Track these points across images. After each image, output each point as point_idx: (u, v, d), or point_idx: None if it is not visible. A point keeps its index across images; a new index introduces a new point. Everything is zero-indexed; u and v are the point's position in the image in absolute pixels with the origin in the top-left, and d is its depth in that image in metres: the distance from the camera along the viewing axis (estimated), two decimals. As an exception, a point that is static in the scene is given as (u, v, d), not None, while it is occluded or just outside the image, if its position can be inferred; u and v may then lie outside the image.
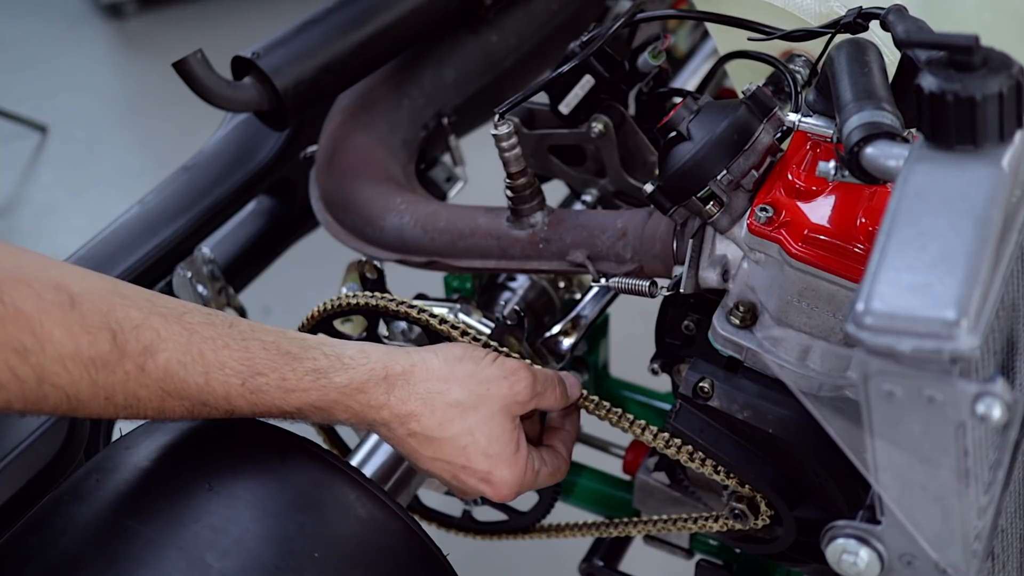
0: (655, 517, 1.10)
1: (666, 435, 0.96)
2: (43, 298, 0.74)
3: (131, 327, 0.78)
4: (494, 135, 0.99)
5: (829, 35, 0.93)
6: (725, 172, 0.86)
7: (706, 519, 1.05)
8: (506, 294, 1.26)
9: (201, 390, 0.82)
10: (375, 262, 1.17)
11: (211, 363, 0.82)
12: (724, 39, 1.07)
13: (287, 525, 0.86)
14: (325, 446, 1.24)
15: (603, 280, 1.00)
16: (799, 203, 0.85)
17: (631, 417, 0.98)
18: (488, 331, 1.05)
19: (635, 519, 1.13)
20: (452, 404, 0.89)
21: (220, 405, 0.83)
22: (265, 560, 0.82)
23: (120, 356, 0.77)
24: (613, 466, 1.32)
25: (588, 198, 1.17)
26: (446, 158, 1.44)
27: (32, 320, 0.73)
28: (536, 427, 1.02)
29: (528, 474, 0.93)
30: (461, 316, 1.07)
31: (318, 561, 0.84)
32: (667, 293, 0.96)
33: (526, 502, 1.18)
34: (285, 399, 0.85)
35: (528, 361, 0.96)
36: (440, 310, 1.04)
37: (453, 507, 1.23)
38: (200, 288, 1.32)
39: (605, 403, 0.99)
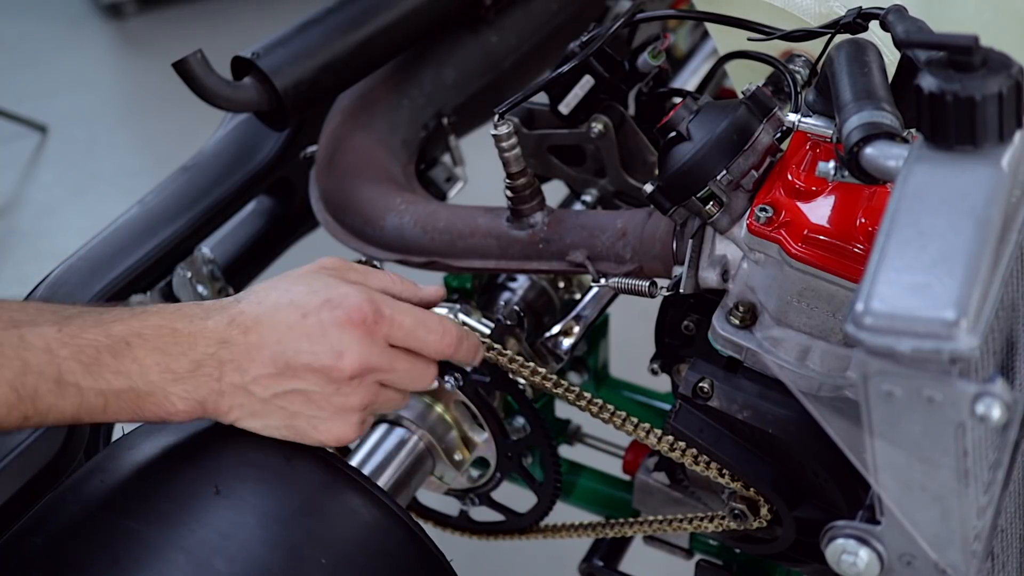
0: (655, 518, 1.10)
1: (668, 438, 0.96)
2: None
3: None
4: (494, 135, 0.99)
5: (829, 35, 0.93)
6: (725, 172, 0.86)
7: (705, 519, 1.05)
8: (506, 294, 1.26)
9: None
10: (375, 262, 1.17)
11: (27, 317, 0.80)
12: (724, 39, 1.07)
13: (293, 531, 0.85)
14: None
15: (603, 280, 1.00)
16: (799, 203, 0.85)
17: (630, 418, 0.98)
18: (488, 331, 1.05)
19: (635, 519, 1.14)
20: (255, 293, 0.86)
21: (41, 361, 0.79)
22: (272, 566, 0.82)
23: None
24: (613, 466, 1.32)
25: (588, 198, 1.17)
26: (446, 158, 1.44)
27: None
28: None
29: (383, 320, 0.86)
30: (461, 316, 1.07)
31: (324, 567, 0.84)
32: (667, 293, 0.96)
33: (526, 502, 1.18)
34: (104, 333, 0.81)
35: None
36: (440, 310, 1.04)
37: (452, 507, 1.23)
38: (200, 288, 1.32)
39: (604, 403, 0.99)
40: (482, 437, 1.12)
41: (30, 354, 0.78)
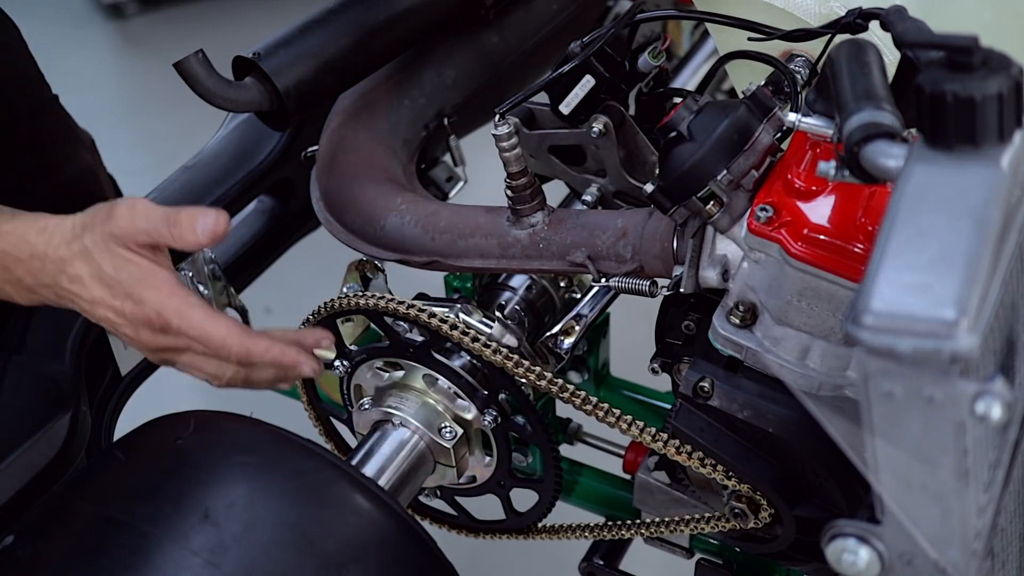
0: (653, 519, 1.10)
1: (674, 441, 0.97)
2: None
3: None
4: (494, 135, 0.99)
5: (829, 35, 0.93)
6: (725, 172, 0.86)
7: (705, 519, 1.05)
8: (506, 294, 1.26)
9: None
10: (376, 262, 1.17)
11: None
12: (724, 39, 1.07)
13: (296, 535, 0.86)
14: (327, 445, 1.24)
15: (603, 280, 1.00)
16: (799, 203, 0.85)
17: (629, 418, 0.99)
18: (488, 331, 1.05)
19: (635, 520, 1.14)
20: (82, 247, 0.92)
21: None
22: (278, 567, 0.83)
23: None
24: (613, 465, 1.32)
25: (588, 198, 1.17)
26: (447, 158, 1.44)
27: None
28: None
29: (179, 300, 0.93)
30: (461, 316, 1.07)
31: (327, 568, 0.84)
32: (667, 293, 0.96)
33: (526, 502, 1.18)
34: None
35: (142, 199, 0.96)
36: (440, 310, 1.04)
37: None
38: (201, 288, 1.32)
39: (604, 403, 1.00)
40: (484, 462, 1.13)
41: None
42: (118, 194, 1.57)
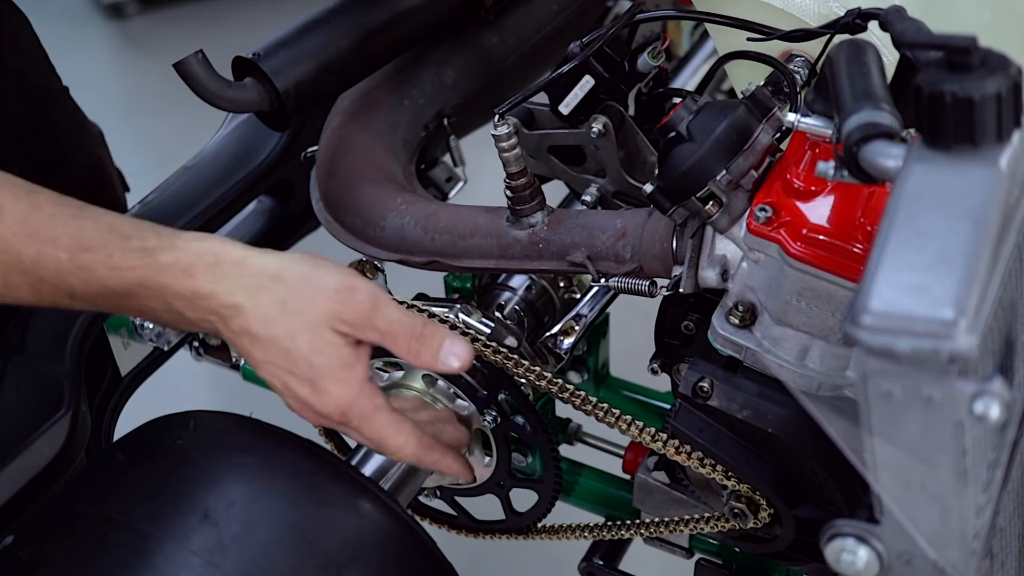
0: (653, 519, 1.10)
1: (673, 441, 0.97)
2: None
3: None
4: (494, 135, 0.99)
5: (828, 36, 0.93)
6: (724, 172, 0.86)
7: (703, 520, 1.05)
8: (506, 294, 1.26)
9: (35, 264, 0.82)
10: (375, 262, 1.17)
11: (44, 237, 0.82)
12: (723, 39, 1.07)
13: (296, 535, 0.86)
14: (327, 445, 1.24)
15: (603, 280, 1.00)
16: (798, 203, 0.85)
17: (629, 418, 0.99)
18: (488, 331, 1.06)
19: (634, 520, 1.14)
20: (276, 303, 0.84)
21: (53, 281, 0.83)
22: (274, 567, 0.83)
23: None
24: (613, 465, 1.32)
25: (588, 198, 1.17)
26: (447, 158, 1.44)
27: None
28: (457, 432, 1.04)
29: (365, 401, 0.87)
30: (461, 316, 1.07)
31: (329, 569, 0.84)
32: (667, 293, 0.96)
33: (525, 502, 1.18)
34: (113, 276, 0.83)
35: (387, 292, 0.89)
36: (440, 310, 1.05)
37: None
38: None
39: (604, 403, 1.00)
40: (484, 462, 1.13)
41: (44, 272, 0.83)
42: (124, 189, 1.57)
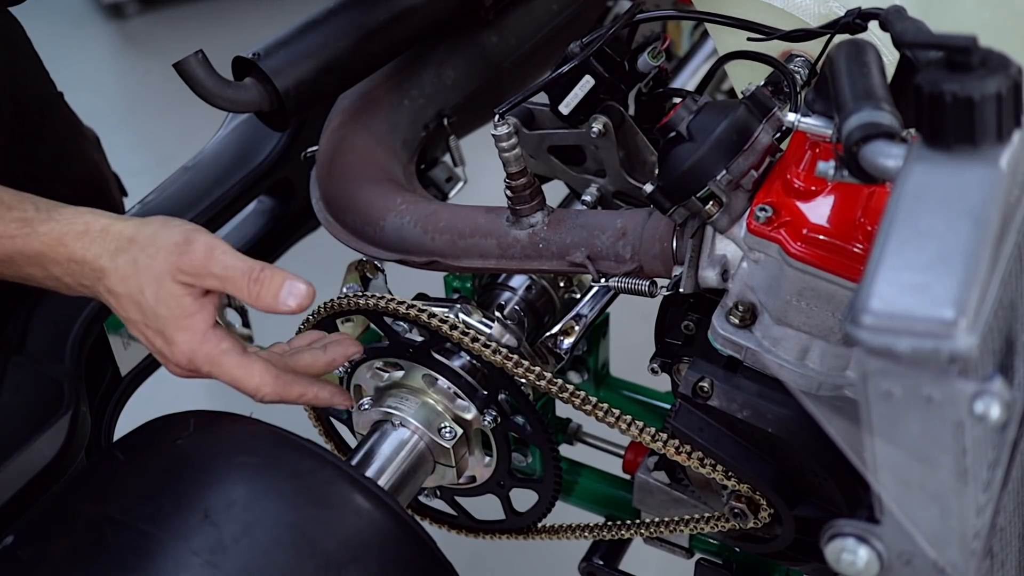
0: (653, 519, 1.10)
1: (673, 440, 0.97)
2: None
3: None
4: (494, 135, 0.99)
5: (828, 35, 0.93)
6: (725, 172, 0.86)
7: (703, 520, 1.05)
8: (506, 294, 1.26)
9: None
10: (375, 262, 1.17)
11: None
12: (724, 39, 1.07)
13: (296, 535, 0.86)
14: (327, 445, 1.24)
15: (603, 280, 1.00)
16: (798, 203, 0.85)
17: (629, 418, 0.99)
18: (488, 331, 1.06)
19: (634, 520, 1.14)
20: (130, 262, 0.90)
21: None
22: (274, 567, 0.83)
23: None
24: (613, 465, 1.32)
25: (588, 198, 1.17)
26: (447, 158, 1.44)
27: None
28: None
29: (210, 346, 0.92)
30: (461, 316, 1.07)
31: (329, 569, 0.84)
32: (667, 293, 0.96)
33: (525, 502, 1.18)
34: None
35: (224, 243, 0.93)
36: (440, 310, 1.05)
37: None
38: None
39: (604, 403, 1.00)
40: (484, 462, 1.13)
41: None
42: (122, 193, 1.57)
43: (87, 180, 1.45)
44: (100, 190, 1.47)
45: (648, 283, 0.98)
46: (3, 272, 0.94)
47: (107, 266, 0.91)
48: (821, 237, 0.83)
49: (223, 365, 0.92)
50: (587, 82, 1.07)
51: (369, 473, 1.06)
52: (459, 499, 1.23)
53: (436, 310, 1.04)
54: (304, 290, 0.91)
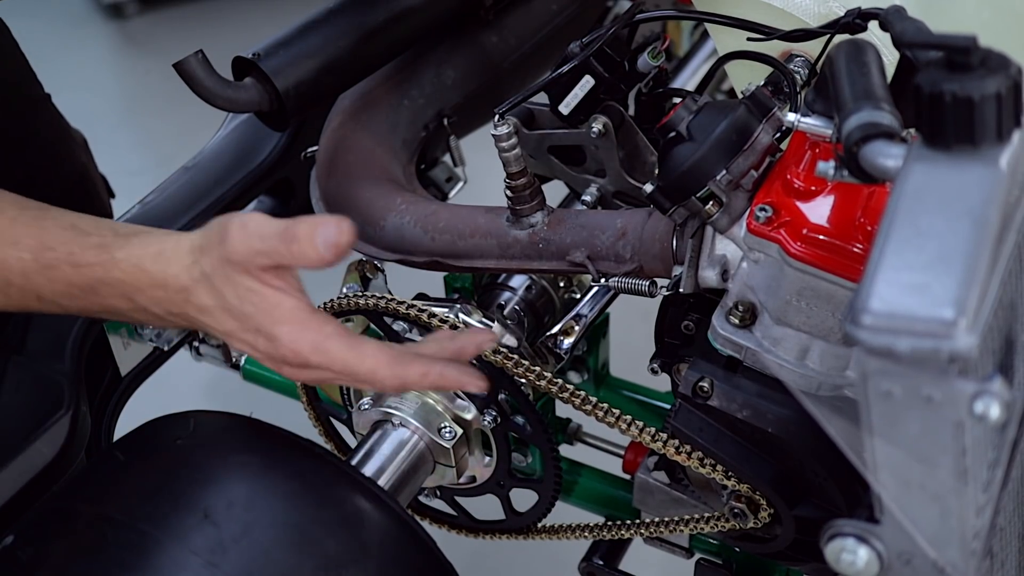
0: (653, 519, 1.10)
1: (673, 440, 0.97)
2: None
3: None
4: (494, 135, 0.99)
5: (828, 35, 0.93)
6: (724, 172, 0.86)
7: (703, 520, 1.05)
8: (506, 294, 1.26)
9: (0, 266, 0.83)
10: (375, 262, 1.17)
11: (6, 240, 0.83)
12: (723, 39, 1.07)
13: (295, 535, 0.86)
14: (327, 445, 1.25)
15: (603, 280, 1.00)
16: (798, 203, 0.85)
17: (629, 418, 0.99)
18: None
19: (634, 520, 1.14)
20: (202, 273, 0.83)
21: (20, 283, 0.84)
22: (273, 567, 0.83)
23: None
24: (613, 465, 1.32)
25: (588, 198, 1.17)
26: (447, 158, 1.44)
27: None
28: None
29: (312, 333, 0.82)
30: (461, 316, 1.07)
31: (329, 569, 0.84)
32: (667, 293, 0.96)
33: (525, 502, 1.18)
34: (76, 274, 0.83)
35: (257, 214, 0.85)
36: (440, 310, 1.05)
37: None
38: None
39: (604, 403, 1.00)
40: (484, 462, 1.13)
41: (10, 275, 0.84)
42: (109, 195, 1.57)
43: (77, 182, 1.45)
44: (89, 192, 1.46)
45: (648, 283, 0.98)
46: (88, 305, 0.86)
47: (188, 283, 0.83)
48: (821, 237, 0.83)
49: (330, 352, 0.82)
50: (587, 82, 1.08)
51: (369, 473, 1.06)
52: (459, 499, 1.23)
53: (436, 310, 1.04)
54: (333, 229, 0.79)
